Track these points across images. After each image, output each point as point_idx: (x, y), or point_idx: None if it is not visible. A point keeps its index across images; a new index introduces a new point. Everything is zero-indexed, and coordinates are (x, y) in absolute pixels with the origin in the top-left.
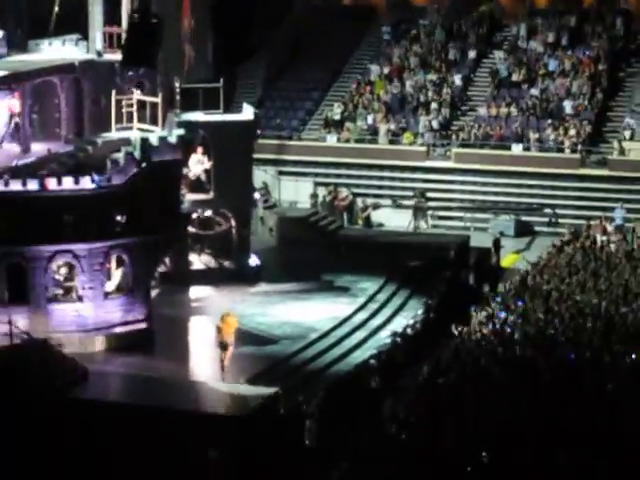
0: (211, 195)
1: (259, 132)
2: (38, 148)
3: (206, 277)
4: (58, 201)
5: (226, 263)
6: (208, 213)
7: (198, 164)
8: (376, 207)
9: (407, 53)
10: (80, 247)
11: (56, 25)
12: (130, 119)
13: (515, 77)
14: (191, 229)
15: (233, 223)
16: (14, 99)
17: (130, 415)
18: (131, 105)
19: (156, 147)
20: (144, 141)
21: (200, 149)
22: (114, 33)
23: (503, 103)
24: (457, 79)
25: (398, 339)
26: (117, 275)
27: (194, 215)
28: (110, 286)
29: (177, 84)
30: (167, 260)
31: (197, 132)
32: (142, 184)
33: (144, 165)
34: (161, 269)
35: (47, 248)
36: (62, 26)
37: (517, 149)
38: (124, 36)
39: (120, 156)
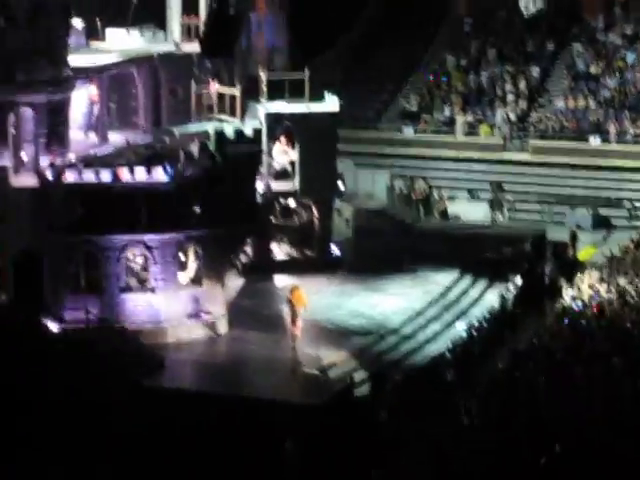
0: (296, 185)
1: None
2: (116, 138)
3: (288, 267)
4: (130, 192)
5: (308, 253)
6: (292, 203)
7: (282, 154)
8: (452, 199)
9: (485, 45)
10: (152, 238)
11: (134, 15)
12: (210, 110)
13: (593, 69)
14: (273, 219)
15: (315, 213)
16: (93, 89)
17: (207, 404)
18: (211, 97)
19: (231, 139)
20: (219, 133)
21: (283, 139)
22: (192, 24)
23: (581, 95)
24: (535, 71)
25: (474, 332)
26: (192, 267)
27: (276, 205)
28: (184, 278)
29: (263, 74)
30: (250, 250)
31: (281, 122)
32: (216, 176)
33: (218, 157)
34: (244, 259)
35: (119, 238)
36: (140, 16)
37: (595, 142)
38: (202, 27)
39: (194, 148)
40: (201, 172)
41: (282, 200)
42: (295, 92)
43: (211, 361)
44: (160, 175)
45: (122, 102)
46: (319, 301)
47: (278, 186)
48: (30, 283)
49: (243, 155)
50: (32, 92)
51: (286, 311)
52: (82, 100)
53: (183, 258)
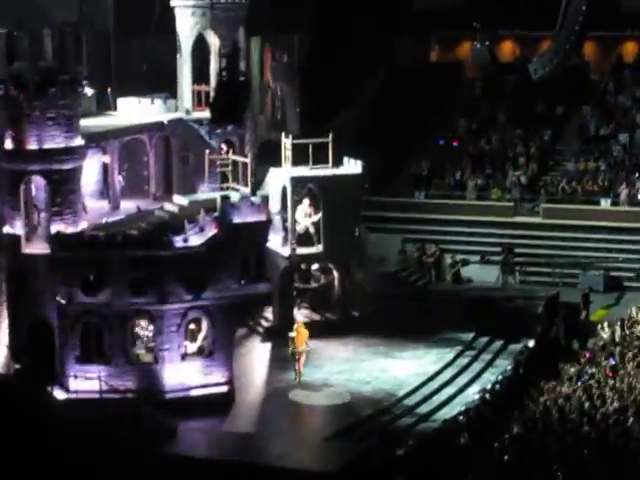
0: (319, 248)
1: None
2: (127, 205)
3: (309, 330)
4: (134, 260)
5: (328, 315)
6: (314, 266)
7: (305, 217)
8: (465, 263)
9: (495, 108)
10: (156, 308)
11: (145, 83)
12: (223, 178)
13: (603, 131)
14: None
15: (336, 275)
16: (104, 157)
17: (220, 472)
18: (225, 165)
19: (238, 207)
20: (224, 201)
21: (307, 201)
22: (202, 91)
23: (591, 157)
24: (545, 134)
25: (487, 395)
26: (200, 337)
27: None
28: (192, 348)
29: (286, 140)
30: (271, 315)
31: (305, 186)
32: (220, 245)
33: (223, 226)
34: (266, 324)
35: (124, 307)
36: (151, 84)
37: (606, 204)
38: (212, 94)
39: (200, 217)
40: (205, 241)
41: (304, 264)
42: (316, 156)
43: (223, 428)
44: (163, 244)
45: (134, 170)
46: (332, 367)
47: (302, 250)
48: (43, 352)
49: (248, 224)
50: (43, 161)
51: (290, 349)
52: (94, 168)
53: (195, 328)
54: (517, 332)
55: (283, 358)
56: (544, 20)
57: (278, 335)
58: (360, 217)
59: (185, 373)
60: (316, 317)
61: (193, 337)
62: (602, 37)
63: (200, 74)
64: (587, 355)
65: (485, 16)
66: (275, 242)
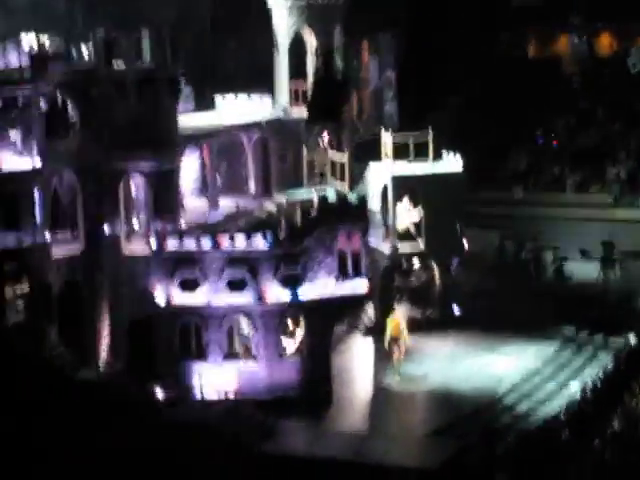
0: (421, 246)
1: None
2: (226, 204)
3: (410, 327)
4: (230, 259)
5: (429, 312)
6: (416, 264)
7: (406, 213)
8: (565, 259)
9: (594, 103)
10: (254, 307)
11: (242, 80)
12: (322, 177)
13: None
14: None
15: (436, 272)
16: (203, 155)
17: (320, 470)
18: (323, 164)
19: (335, 206)
20: (322, 200)
21: (406, 199)
22: (299, 89)
23: None
24: None
25: (588, 392)
26: (297, 336)
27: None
28: (290, 347)
29: (387, 136)
30: (372, 314)
31: (406, 183)
32: (313, 245)
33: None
34: (367, 321)
35: (220, 306)
36: (248, 80)
37: None
38: (310, 92)
39: (297, 216)
40: (301, 240)
41: (405, 261)
42: (418, 153)
43: (323, 427)
44: (260, 243)
45: (232, 168)
46: (432, 364)
47: (403, 247)
48: (144, 352)
49: (345, 223)
50: (142, 160)
51: (387, 341)
52: (193, 167)
53: (294, 327)
54: (618, 327)
55: (383, 354)
56: None
57: (379, 332)
58: (462, 213)
59: (283, 372)
60: (416, 314)
61: (292, 336)
62: None
63: (297, 72)
64: None
65: (582, 9)
66: (376, 239)
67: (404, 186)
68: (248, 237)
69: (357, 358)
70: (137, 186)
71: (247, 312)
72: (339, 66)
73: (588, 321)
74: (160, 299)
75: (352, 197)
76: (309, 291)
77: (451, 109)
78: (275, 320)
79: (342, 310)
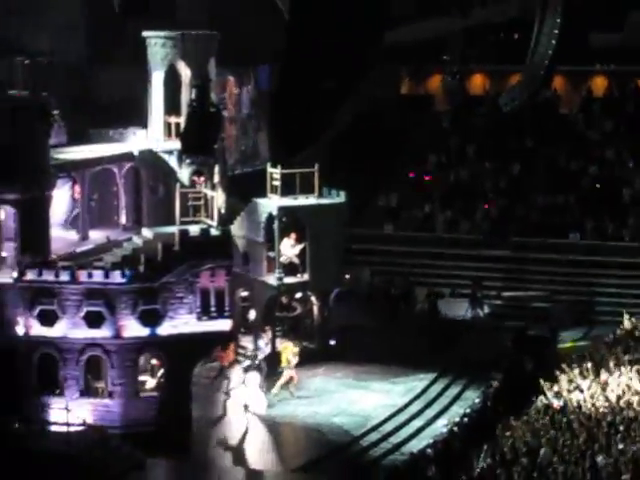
0: (305, 277)
1: None
2: (97, 236)
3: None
4: (88, 293)
5: (306, 344)
6: (298, 295)
7: (290, 248)
8: (441, 296)
9: (464, 141)
10: (110, 342)
11: (116, 114)
12: (195, 210)
13: (573, 166)
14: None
15: (315, 304)
16: (73, 187)
17: None
18: (196, 198)
19: (198, 242)
20: (183, 235)
21: (293, 234)
22: (173, 122)
23: (560, 191)
24: (515, 168)
25: (455, 428)
26: (156, 372)
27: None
28: (150, 383)
29: (274, 170)
30: (249, 344)
31: (291, 215)
32: (174, 281)
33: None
34: (247, 352)
35: (78, 340)
36: (122, 116)
37: (575, 237)
38: (183, 125)
39: (159, 250)
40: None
41: (289, 293)
42: (289, 187)
43: (187, 461)
44: (117, 278)
45: (104, 200)
46: (298, 401)
47: (288, 279)
48: (9, 383)
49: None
50: (12, 190)
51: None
52: (64, 198)
53: (157, 363)
54: (485, 365)
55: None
56: (514, 54)
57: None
58: (343, 246)
59: (141, 408)
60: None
61: (152, 372)
62: (571, 71)
63: (171, 105)
64: (554, 388)
65: (455, 50)
66: (258, 271)
67: (290, 217)
68: (107, 270)
69: (233, 391)
70: (6, 216)
71: (104, 347)
72: (212, 98)
73: (455, 358)
74: (19, 330)
75: (217, 233)
76: (169, 328)
77: (323, 144)
78: (131, 356)
79: (203, 347)
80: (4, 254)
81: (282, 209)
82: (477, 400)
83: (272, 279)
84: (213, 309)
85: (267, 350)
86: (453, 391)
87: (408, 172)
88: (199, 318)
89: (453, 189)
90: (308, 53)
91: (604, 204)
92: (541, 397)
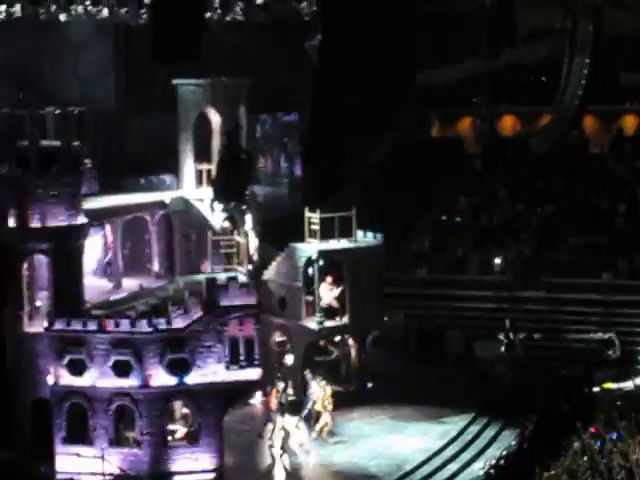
0: (345, 320)
1: None
2: (130, 284)
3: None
4: (116, 342)
5: (345, 387)
6: (337, 339)
7: (328, 292)
8: (473, 339)
9: (496, 184)
10: (138, 391)
11: (147, 161)
12: (228, 258)
13: (605, 205)
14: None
15: (353, 347)
16: (106, 235)
17: None
18: (229, 245)
19: (225, 289)
20: (210, 283)
21: (329, 278)
22: (204, 169)
23: (593, 231)
24: (547, 209)
25: (492, 471)
26: (185, 421)
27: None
28: (180, 432)
29: (313, 215)
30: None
31: (331, 258)
32: (205, 328)
33: (208, 309)
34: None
35: (105, 389)
36: (153, 162)
37: (607, 278)
38: (214, 172)
39: (187, 298)
40: (188, 324)
41: (330, 336)
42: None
43: None
44: (144, 327)
45: (136, 248)
46: (339, 442)
47: (329, 323)
48: (42, 432)
49: (233, 308)
50: (45, 239)
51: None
52: (96, 246)
53: (184, 411)
54: (521, 406)
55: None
56: (544, 95)
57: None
58: (382, 288)
59: (170, 458)
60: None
61: (184, 421)
62: (602, 111)
63: (202, 152)
64: (592, 430)
65: (485, 91)
66: (296, 316)
67: (327, 260)
68: (134, 319)
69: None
70: (40, 265)
71: (132, 396)
72: (243, 144)
73: (491, 400)
74: (50, 379)
75: (244, 280)
76: (197, 377)
77: (357, 188)
78: (159, 405)
79: (233, 396)
80: (38, 303)
81: (322, 253)
82: (513, 442)
83: (312, 323)
84: (242, 358)
85: (313, 396)
86: (489, 433)
87: (440, 215)
88: (228, 367)
89: (485, 231)
90: (337, 100)
91: (636, 244)
92: (579, 439)
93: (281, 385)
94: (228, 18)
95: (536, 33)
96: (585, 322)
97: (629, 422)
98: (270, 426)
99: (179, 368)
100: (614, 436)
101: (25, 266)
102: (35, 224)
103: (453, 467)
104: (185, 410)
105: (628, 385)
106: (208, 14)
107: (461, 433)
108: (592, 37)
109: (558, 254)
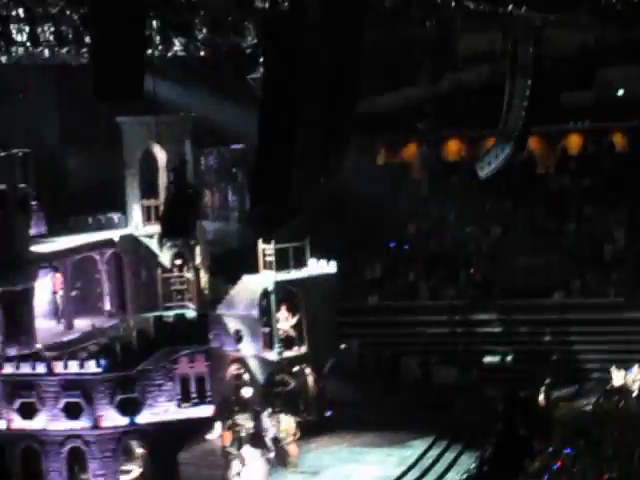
0: (303, 350)
1: None
2: (82, 324)
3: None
4: (65, 384)
5: (304, 417)
6: (295, 368)
7: (284, 321)
8: (429, 364)
9: (443, 208)
10: (89, 432)
11: (94, 199)
12: (179, 294)
13: (552, 225)
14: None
15: (310, 377)
16: (55, 277)
17: None
18: (180, 282)
19: (173, 327)
20: (157, 321)
21: (284, 306)
22: (152, 205)
23: (543, 251)
24: (495, 230)
25: None
26: (137, 462)
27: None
28: (135, 472)
29: (267, 245)
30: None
31: (286, 288)
32: (155, 368)
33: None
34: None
35: (58, 432)
36: (100, 200)
37: (559, 297)
38: (161, 208)
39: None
40: (137, 364)
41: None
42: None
43: None
44: (92, 368)
45: (87, 287)
46: (295, 473)
47: (287, 353)
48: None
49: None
50: None
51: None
52: (46, 288)
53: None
54: (479, 429)
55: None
56: (488, 118)
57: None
58: (336, 317)
59: None
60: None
61: (139, 461)
62: (546, 131)
63: (149, 188)
64: (550, 449)
65: (429, 116)
66: (254, 348)
67: (285, 291)
68: (82, 361)
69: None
70: None
71: (83, 438)
72: (190, 179)
73: (448, 426)
74: (2, 424)
75: (193, 317)
76: (149, 416)
77: (303, 218)
78: (111, 446)
79: (186, 434)
80: None
81: (278, 284)
82: (473, 465)
83: (271, 354)
84: (194, 395)
85: (274, 429)
86: (448, 458)
87: (389, 242)
88: (179, 405)
89: (435, 256)
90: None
91: (586, 262)
92: (538, 459)
93: (239, 419)
94: (170, 54)
95: (477, 56)
96: (540, 342)
97: (586, 440)
98: (230, 460)
99: (130, 408)
100: (570, 452)
101: None
102: None
103: None
104: (140, 450)
105: (582, 403)
106: (149, 51)
107: (420, 458)
108: (533, 58)
109: (509, 275)
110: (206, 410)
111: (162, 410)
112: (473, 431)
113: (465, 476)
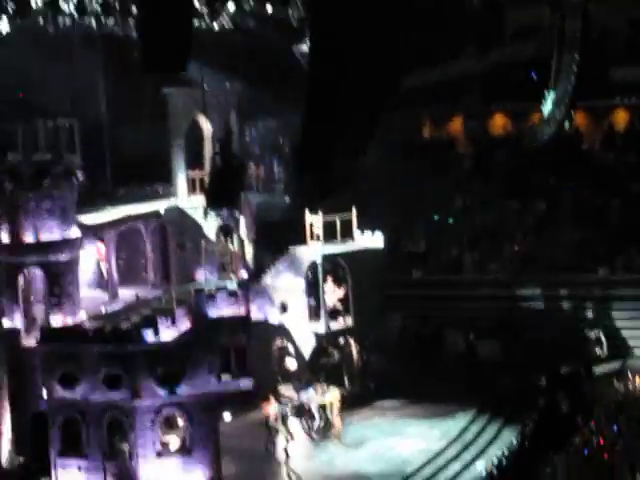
0: (348, 322)
1: None
2: (126, 294)
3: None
4: (106, 355)
5: (349, 389)
6: (341, 340)
7: (331, 293)
8: (473, 338)
9: (488, 182)
10: (130, 403)
11: (140, 172)
12: (223, 267)
13: (597, 201)
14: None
15: (354, 349)
16: (100, 246)
17: None
18: (223, 253)
19: (213, 299)
20: (198, 294)
21: (330, 278)
22: (197, 177)
23: (588, 227)
24: (540, 205)
25: (494, 470)
26: (178, 433)
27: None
28: (174, 444)
29: (316, 218)
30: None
31: (334, 261)
32: (194, 339)
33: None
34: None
35: (99, 402)
36: (147, 172)
37: (603, 273)
38: (207, 179)
39: (177, 310)
40: (177, 337)
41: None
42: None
43: None
44: (134, 339)
45: (131, 258)
46: (339, 446)
47: (334, 325)
48: (42, 445)
49: (219, 320)
50: (40, 253)
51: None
52: (91, 258)
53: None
54: (521, 404)
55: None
56: (535, 92)
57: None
58: (383, 290)
59: (162, 470)
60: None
61: (179, 432)
62: (592, 106)
63: (194, 160)
64: (592, 424)
65: (476, 91)
66: (298, 320)
67: (332, 263)
68: (123, 333)
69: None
70: (35, 279)
71: (124, 409)
72: (235, 151)
73: (491, 399)
74: (45, 393)
75: (233, 289)
76: (188, 388)
77: (348, 191)
78: (151, 417)
79: (225, 406)
80: (35, 317)
81: (326, 257)
82: (514, 441)
83: (318, 326)
84: (234, 367)
85: (319, 399)
86: (490, 432)
87: (434, 216)
88: (219, 377)
89: (480, 231)
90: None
91: (631, 238)
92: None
93: (283, 391)
94: (216, 25)
95: (524, 31)
96: (580, 318)
97: (629, 417)
98: (274, 433)
99: (170, 380)
100: (614, 429)
101: (21, 280)
102: (28, 238)
103: (455, 467)
104: (180, 422)
105: (625, 379)
106: (196, 22)
107: (462, 432)
108: (580, 33)
109: (553, 251)
110: (246, 382)
111: (202, 382)
112: (515, 406)
113: (507, 452)
